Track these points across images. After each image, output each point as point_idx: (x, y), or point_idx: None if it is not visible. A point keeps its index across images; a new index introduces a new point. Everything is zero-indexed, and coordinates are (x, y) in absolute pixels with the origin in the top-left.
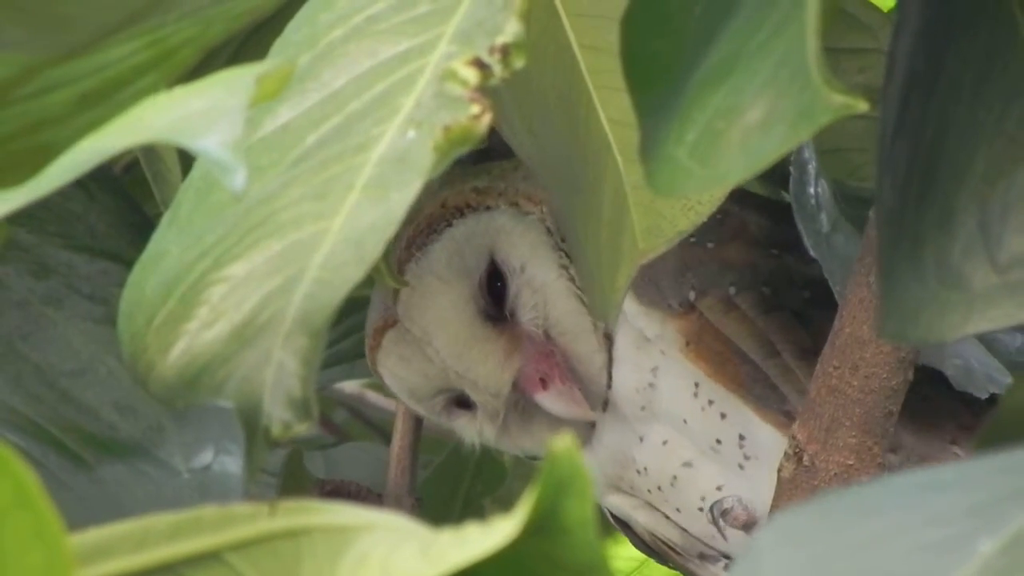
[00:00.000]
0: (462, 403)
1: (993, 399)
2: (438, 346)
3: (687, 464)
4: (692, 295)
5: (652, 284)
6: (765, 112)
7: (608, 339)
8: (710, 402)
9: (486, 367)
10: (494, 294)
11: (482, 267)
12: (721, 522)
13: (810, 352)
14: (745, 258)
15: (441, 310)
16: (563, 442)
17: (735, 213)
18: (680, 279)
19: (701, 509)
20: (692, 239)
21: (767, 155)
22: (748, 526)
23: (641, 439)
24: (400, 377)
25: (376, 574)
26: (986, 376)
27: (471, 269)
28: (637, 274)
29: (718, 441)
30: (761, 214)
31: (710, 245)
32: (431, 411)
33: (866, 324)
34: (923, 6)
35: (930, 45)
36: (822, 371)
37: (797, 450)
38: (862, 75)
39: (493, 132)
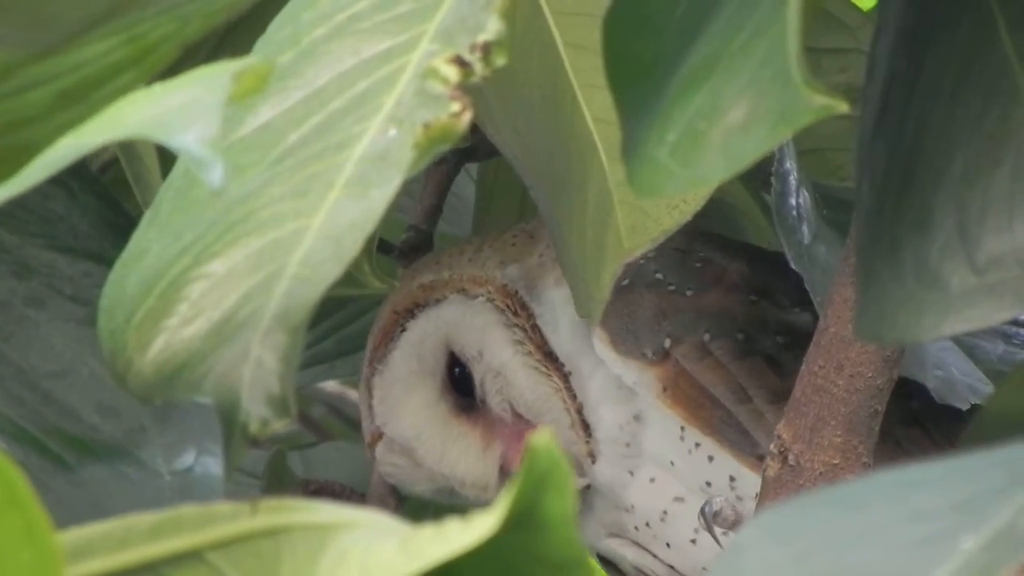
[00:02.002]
0: None
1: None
2: (419, 451)
3: (679, 499)
4: (667, 343)
5: (630, 333)
6: (746, 113)
7: (573, 399)
8: (697, 445)
9: (468, 462)
10: (461, 387)
11: (442, 363)
12: (713, 524)
13: (782, 396)
14: (722, 304)
15: (414, 416)
16: (542, 437)
17: (717, 260)
18: (656, 327)
19: (694, 541)
20: (671, 287)
21: (748, 156)
22: (736, 527)
23: (631, 473)
24: (401, 483)
25: (355, 571)
26: (968, 387)
27: (432, 368)
28: (615, 321)
29: (708, 483)
30: (742, 261)
31: (689, 293)
32: (450, 500)
33: (851, 323)
34: (904, 5)
35: (910, 44)
36: (807, 370)
37: (782, 449)
38: (843, 75)
39: (476, 131)
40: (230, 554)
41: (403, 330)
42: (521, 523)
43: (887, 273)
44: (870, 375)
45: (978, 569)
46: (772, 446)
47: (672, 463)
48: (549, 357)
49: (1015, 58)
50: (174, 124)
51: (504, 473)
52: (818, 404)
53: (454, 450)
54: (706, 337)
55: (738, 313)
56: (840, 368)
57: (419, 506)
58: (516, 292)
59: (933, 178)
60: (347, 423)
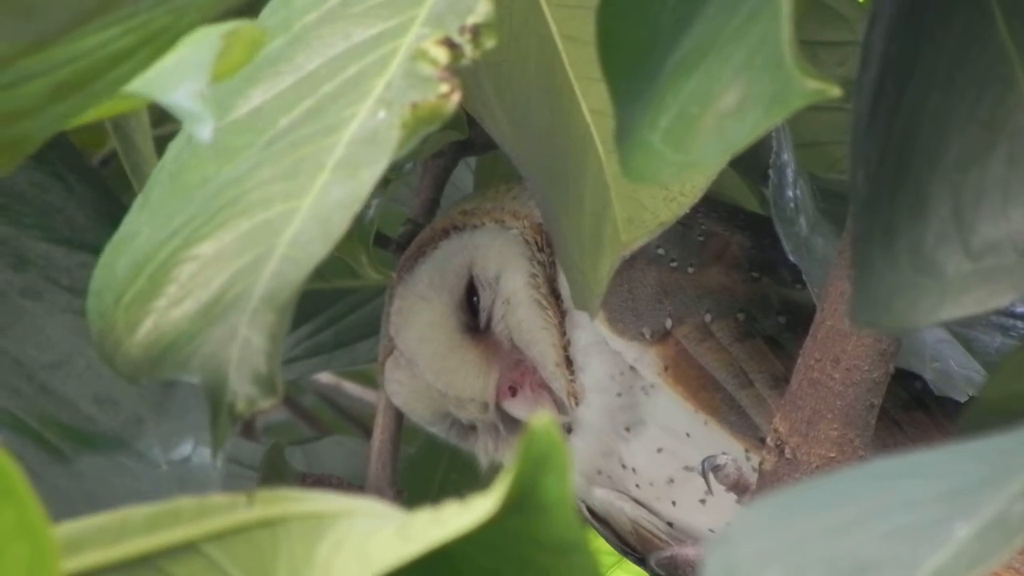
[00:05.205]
0: (470, 424)
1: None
2: (420, 364)
3: (689, 468)
4: (668, 323)
5: (630, 311)
6: (739, 97)
7: (563, 335)
8: (705, 423)
9: (464, 380)
10: (474, 308)
11: (462, 282)
12: (711, 477)
13: (783, 380)
14: (723, 283)
15: (422, 327)
16: (541, 419)
17: (719, 234)
18: (657, 305)
19: (703, 502)
20: (673, 263)
21: (741, 140)
22: (738, 488)
23: (628, 429)
24: (403, 403)
25: (352, 557)
26: (965, 379)
27: (452, 286)
28: (615, 298)
29: (724, 453)
30: (744, 233)
31: (690, 270)
32: (444, 434)
33: (847, 315)
34: None
35: (905, 31)
36: (803, 364)
37: (779, 443)
38: (842, 68)
39: (474, 124)
40: (227, 546)
41: (435, 248)
42: (519, 506)
43: (882, 260)
44: (866, 368)
45: (970, 557)
46: (768, 439)
47: (688, 435)
48: (554, 293)
49: (1011, 45)
50: (166, 82)
51: (497, 400)
52: (814, 397)
53: (452, 364)
54: (707, 318)
55: (739, 291)
56: (836, 361)
57: (417, 498)
58: (547, 231)
59: (928, 165)
60: (343, 416)
